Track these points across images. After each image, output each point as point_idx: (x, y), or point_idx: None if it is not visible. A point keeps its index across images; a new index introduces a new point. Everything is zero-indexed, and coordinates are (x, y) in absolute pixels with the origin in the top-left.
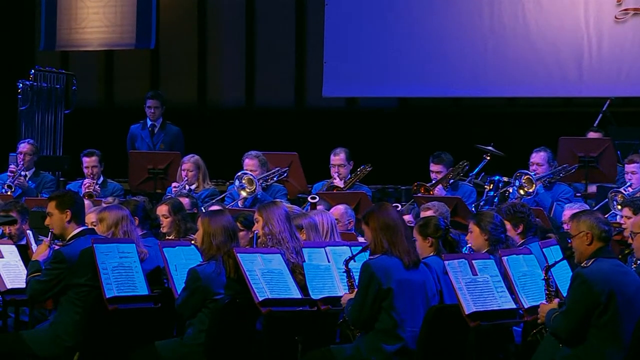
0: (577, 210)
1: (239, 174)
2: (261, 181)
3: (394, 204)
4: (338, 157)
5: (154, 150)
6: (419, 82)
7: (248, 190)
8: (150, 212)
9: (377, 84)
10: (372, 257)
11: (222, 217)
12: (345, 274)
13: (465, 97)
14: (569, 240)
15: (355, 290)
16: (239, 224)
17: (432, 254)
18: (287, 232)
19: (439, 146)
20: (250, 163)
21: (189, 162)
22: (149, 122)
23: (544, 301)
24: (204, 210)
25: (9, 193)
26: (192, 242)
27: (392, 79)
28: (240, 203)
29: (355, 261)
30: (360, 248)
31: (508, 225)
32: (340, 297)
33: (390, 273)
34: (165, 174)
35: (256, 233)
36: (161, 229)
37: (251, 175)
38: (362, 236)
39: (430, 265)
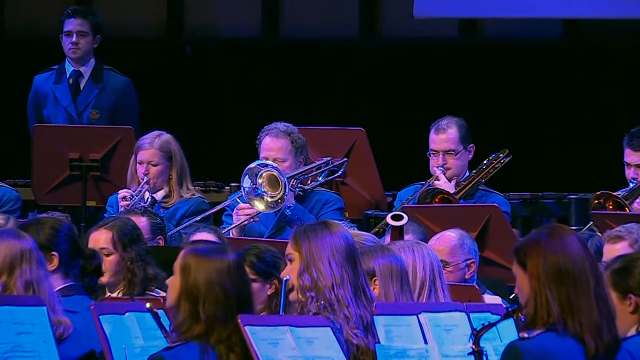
0: None
1: (253, 165)
2: (295, 182)
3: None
4: (444, 137)
5: (81, 123)
6: None
7: (269, 199)
8: (78, 244)
9: None
10: (526, 333)
11: (215, 257)
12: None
13: None
14: None
15: None
16: (248, 269)
17: (635, 328)
18: (348, 285)
19: None
20: (274, 146)
21: (151, 148)
22: (71, 68)
23: None
24: (181, 242)
25: None
26: (154, 303)
27: None
28: (239, 218)
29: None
30: (497, 317)
31: None
32: None
33: None
34: (104, 171)
35: (286, 281)
36: (100, 278)
37: (276, 169)
38: (493, 293)
39: (630, 352)
